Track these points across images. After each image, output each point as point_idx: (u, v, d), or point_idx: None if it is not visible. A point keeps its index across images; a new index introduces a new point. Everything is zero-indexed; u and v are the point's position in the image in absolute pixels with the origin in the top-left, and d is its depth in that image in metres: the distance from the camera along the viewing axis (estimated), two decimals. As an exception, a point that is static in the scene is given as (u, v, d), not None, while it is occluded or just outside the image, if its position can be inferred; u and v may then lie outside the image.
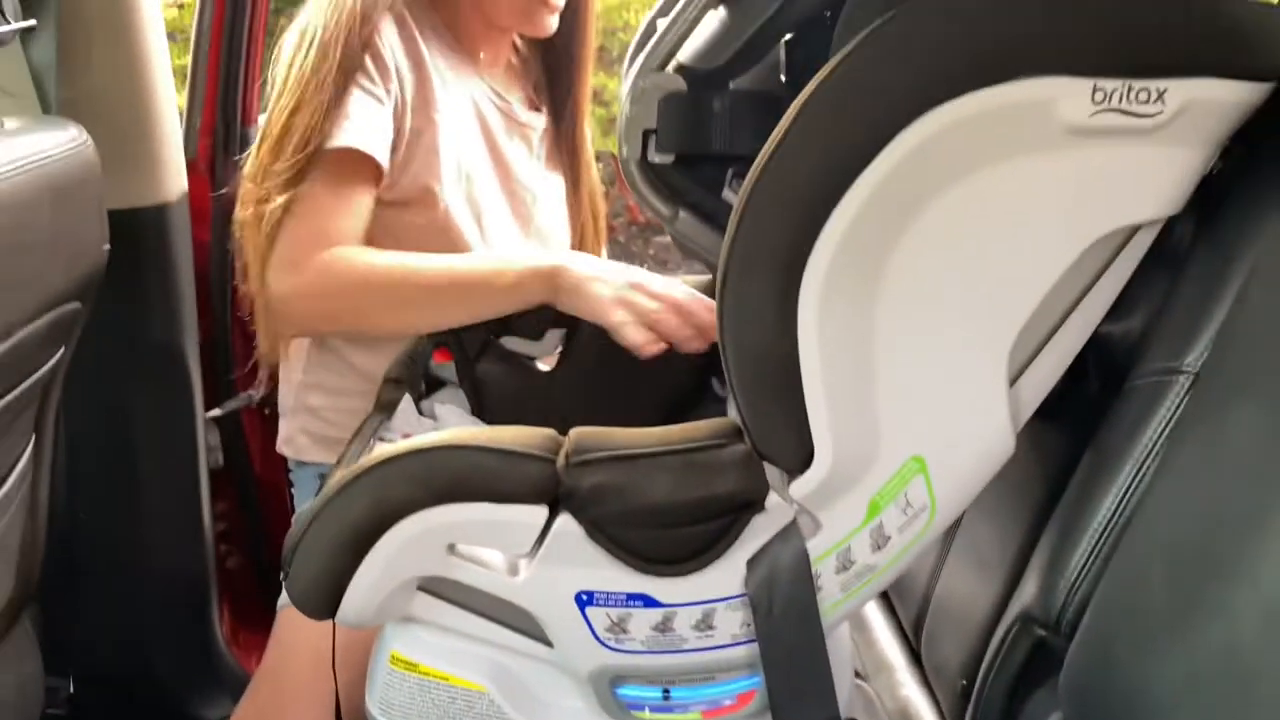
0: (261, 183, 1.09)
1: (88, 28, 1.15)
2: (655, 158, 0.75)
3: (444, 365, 1.11)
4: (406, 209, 1.16)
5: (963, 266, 0.69)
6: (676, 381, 1.12)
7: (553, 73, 1.31)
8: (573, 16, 1.25)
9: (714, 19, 0.74)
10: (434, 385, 1.13)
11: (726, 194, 0.76)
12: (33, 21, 0.92)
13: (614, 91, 3.02)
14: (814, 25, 0.73)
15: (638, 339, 1.00)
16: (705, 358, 1.12)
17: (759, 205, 0.66)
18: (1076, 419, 0.81)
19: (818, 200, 0.65)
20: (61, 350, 1.05)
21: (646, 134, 0.74)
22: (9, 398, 0.97)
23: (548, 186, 1.30)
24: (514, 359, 1.11)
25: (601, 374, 1.11)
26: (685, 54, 0.74)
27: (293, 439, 1.29)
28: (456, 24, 1.23)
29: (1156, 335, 0.74)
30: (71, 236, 0.98)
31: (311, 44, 1.10)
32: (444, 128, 1.16)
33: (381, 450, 0.76)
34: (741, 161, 0.76)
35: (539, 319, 1.10)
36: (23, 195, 0.88)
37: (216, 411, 1.44)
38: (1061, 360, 0.76)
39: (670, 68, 0.74)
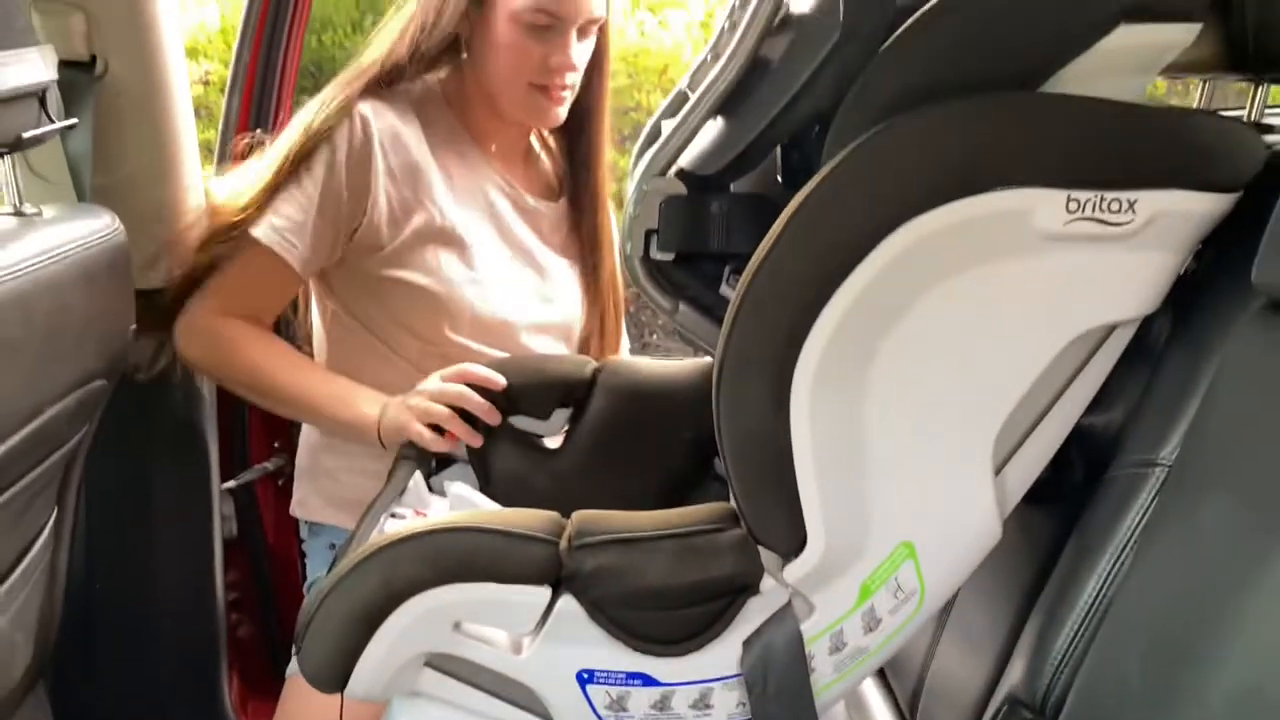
0: (211, 220, 1.24)
1: (121, 119, 1.20)
2: (657, 255, 0.79)
3: (454, 443, 1.15)
4: (405, 269, 1.23)
5: (948, 362, 0.72)
6: (677, 461, 1.15)
7: (572, 162, 1.38)
8: (586, 109, 1.32)
9: (712, 129, 0.79)
10: (444, 462, 1.17)
11: (724, 289, 0.81)
12: (74, 121, 0.98)
13: (624, 169, 3.09)
14: (805, 136, 0.77)
15: (423, 437, 1.11)
16: (706, 438, 1.15)
17: (752, 305, 0.70)
18: (1062, 507, 0.84)
19: (807, 302, 0.68)
20: (86, 426, 1.10)
21: (649, 233, 0.79)
22: (35, 473, 1.01)
23: (559, 266, 1.35)
24: (522, 437, 1.15)
25: (605, 452, 1.14)
26: (686, 160, 0.79)
27: (305, 500, 1.33)
28: (470, 121, 1.30)
29: (1134, 428, 0.77)
30: (102, 318, 1.03)
31: (298, 126, 1.22)
32: (443, 211, 1.24)
33: (393, 531, 0.79)
34: (738, 259, 0.81)
35: (546, 399, 1.14)
36: (60, 281, 0.92)
37: (232, 483, 1.48)
38: (1045, 450, 0.79)
39: (671, 172, 0.78)
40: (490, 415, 1.10)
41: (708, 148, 0.79)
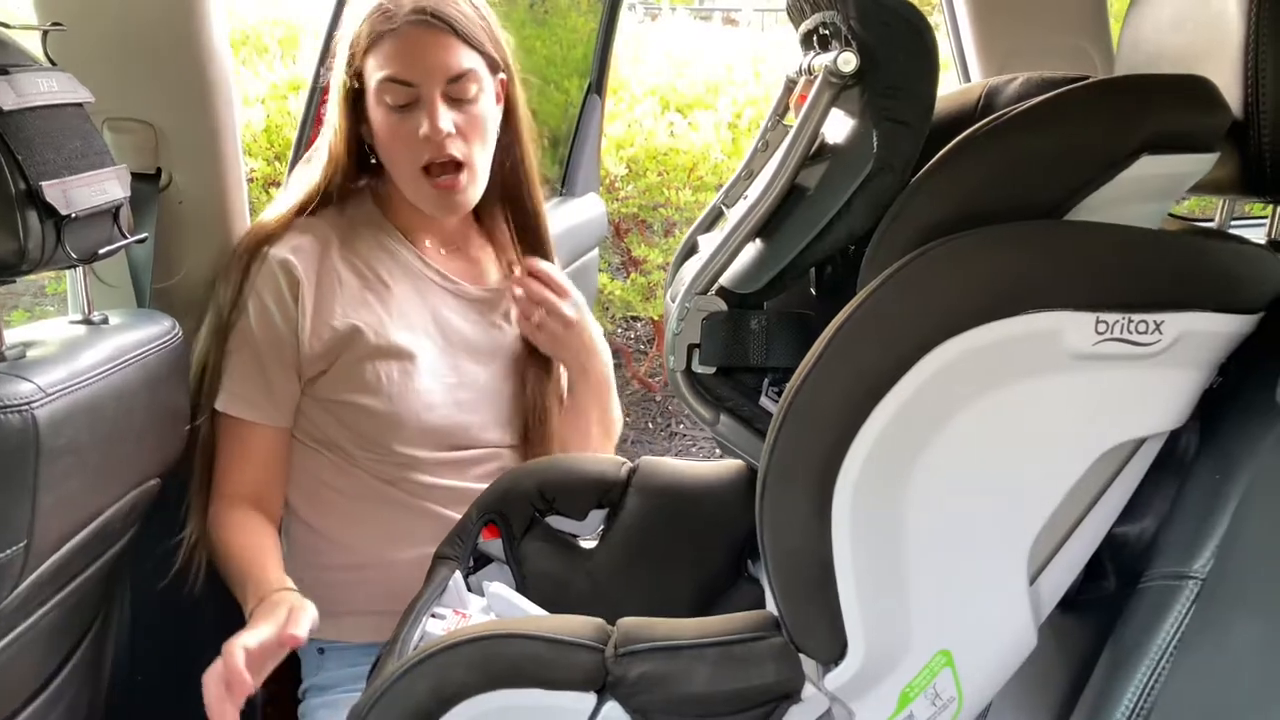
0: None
1: (181, 226, 1.27)
2: (698, 368, 0.82)
3: (491, 542, 1.17)
4: (347, 392, 1.23)
5: (983, 476, 0.74)
6: (712, 562, 1.16)
7: (518, 243, 1.36)
8: (515, 182, 1.32)
9: (751, 250, 0.83)
10: (481, 561, 1.19)
11: (764, 401, 0.84)
12: (145, 235, 1.04)
13: (654, 261, 3.17)
14: (841, 255, 0.81)
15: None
16: (740, 539, 1.17)
17: (794, 420, 0.72)
18: (1096, 614, 0.85)
19: (847, 418, 0.71)
20: (139, 523, 1.13)
21: (691, 348, 0.82)
22: (89, 571, 1.04)
23: (505, 353, 1.33)
24: (558, 537, 1.16)
25: (640, 553, 1.15)
26: (726, 278, 0.83)
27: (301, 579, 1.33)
28: (399, 220, 1.30)
29: (1166, 539, 0.78)
30: (160, 422, 1.07)
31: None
32: (379, 328, 1.23)
33: (441, 636, 0.81)
34: (776, 372, 0.84)
35: (582, 500, 1.16)
36: (125, 387, 0.97)
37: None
38: (1079, 559, 0.81)
39: (713, 290, 0.82)
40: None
41: (747, 268, 0.82)
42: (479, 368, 1.31)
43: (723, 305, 0.81)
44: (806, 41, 0.97)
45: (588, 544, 1.17)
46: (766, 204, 0.80)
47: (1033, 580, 0.78)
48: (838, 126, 0.82)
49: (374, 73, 1.20)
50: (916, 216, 0.75)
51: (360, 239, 1.28)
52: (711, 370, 0.82)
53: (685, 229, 3.35)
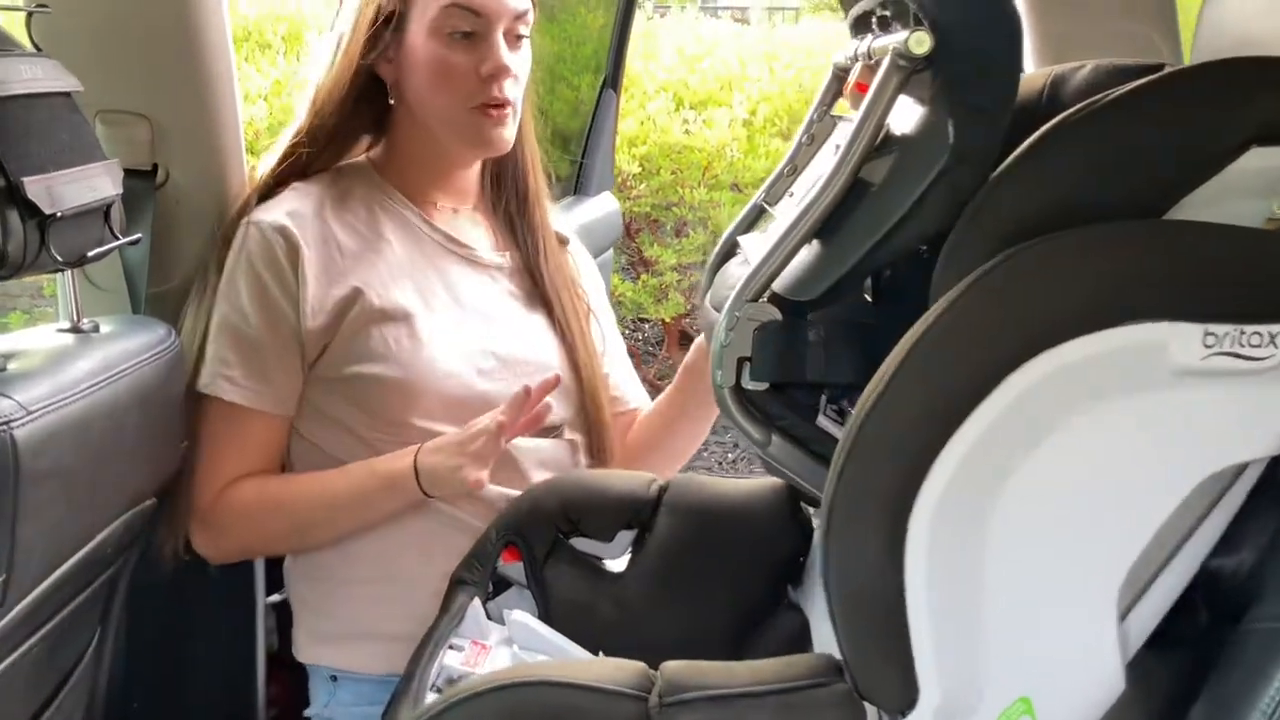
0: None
1: (179, 227, 1.19)
2: (749, 384, 0.74)
3: (512, 565, 1.10)
4: (354, 362, 1.12)
5: (1071, 505, 0.67)
6: (750, 587, 1.09)
7: (509, 214, 1.27)
8: (514, 156, 1.23)
9: (808, 253, 0.75)
10: (501, 586, 1.12)
11: (821, 420, 0.76)
12: (138, 236, 0.96)
13: (667, 262, 3.08)
14: (908, 257, 0.74)
15: (481, 484, 1.06)
16: (780, 563, 1.09)
17: (867, 445, 0.65)
18: (1184, 652, 0.78)
19: (925, 443, 0.64)
20: (135, 545, 1.05)
21: (741, 361, 0.74)
22: (81, 598, 0.97)
23: (525, 323, 1.23)
24: (583, 560, 1.09)
25: (672, 578, 1.08)
26: (780, 284, 0.75)
27: (295, 639, 1.24)
28: (407, 185, 1.20)
29: (1272, 578, 0.71)
30: (155, 437, 0.99)
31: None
32: (381, 289, 1.13)
33: (466, 683, 0.73)
34: (834, 388, 0.76)
35: (609, 520, 1.09)
36: (116, 402, 0.89)
37: (277, 596, 1.42)
38: (1170, 595, 0.73)
39: (764, 297, 0.74)
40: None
41: (804, 272, 0.74)
42: (500, 334, 1.19)
43: (777, 314, 0.73)
44: (860, 25, 0.89)
45: (615, 567, 1.10)
46: (826, 201, 0.72)
47: (1122, 617, 0.71)
48: (906, 115, 0.74)
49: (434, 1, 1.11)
50: (1001, 214, 0.67)
51: (357, 200, 1.18)
52: (764, 386, 0.74)
53: (698, 228, 3.29)
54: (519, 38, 1.16)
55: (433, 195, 1.22)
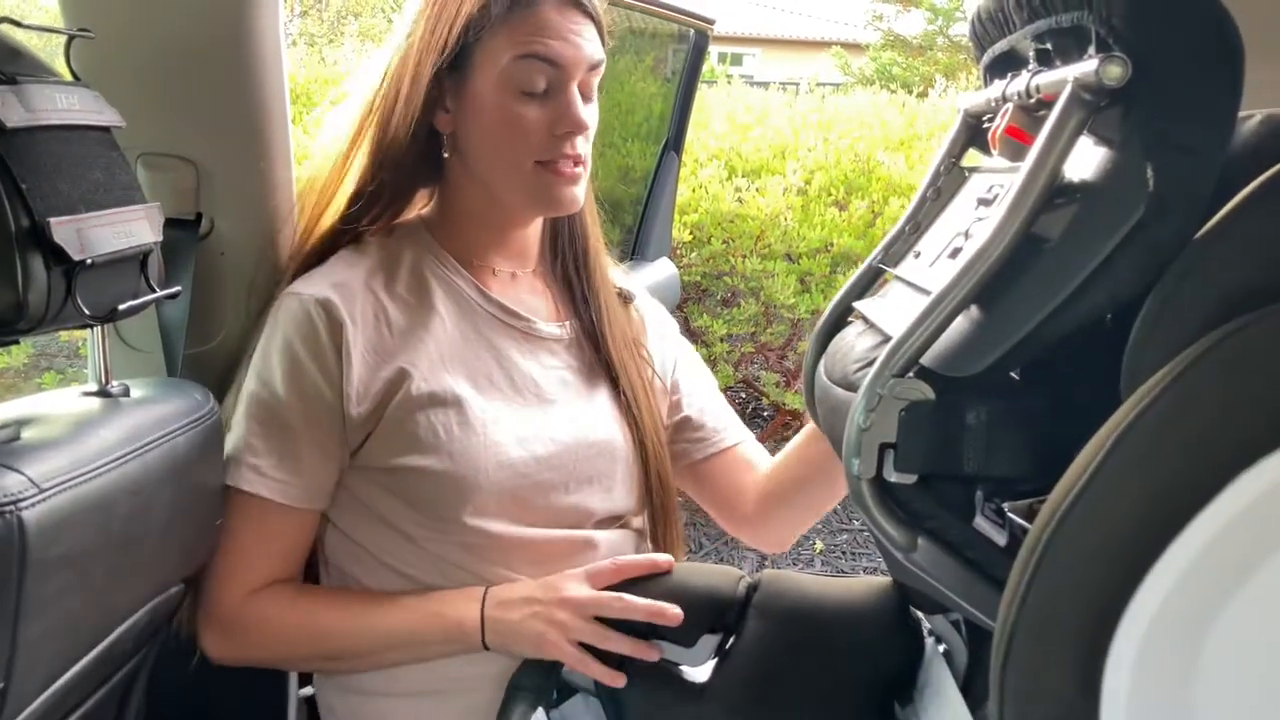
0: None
1: (221, 282, 1.09)
2: (893, 476, 0.62)
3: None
4: (398, 455, 1.00)
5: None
6: (850, 704, 0.96)
7: (568, 276, 1.17)
8: (574, 215, 1.13)
9: (966, 321, 0.63)
10: (565, 692, 0.99)
11: (979, 521, 0.63)
12: (177, 289, 0.85)
13: (716, 333, 2.97)
14: (1091, 327, 0.61)
15: (572, 658, 0.97)
16: (886, 677, 0.96)
17: (1061, 555, 0.52)
18: None
19: (1138, 554, 0.51)
20: (158, 636, 0.93)
21: (884, 448, 0.62)
22: (96, 697, 0.84)
23: (586, 401, 1.11)
24: (660, 668, 0.97)
25: (761, 691, 0.97)
26: (931, 358, 0.62)
27: (332, 708, 1.11)
28: (463, 246, 1.10)
29: None
30: (187, 518, 0.88)
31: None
32: (427, 372, 1.01)
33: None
34: (990, 483, 0.63)
35: (691, 622, 0.96)
36: (144, 479, 0.78)
37: (309, 690, 1.29)
38: None
39: (913, 372, 0.62)
40: (647, 651, 0.92)
41: (961, 344, 0.62)
42: (559, 416, 1.08)
43: (929, 392, 0.61)
44: (999, 66, 0.78)
45: (697, 677, 0.98)
46: (991, 259, 0.60)
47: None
48: (1085, 159, 0.62)
49: (503, 49, 1.00)
50: (1219, 276, 0.55)
51: (406, 266, 1.07)
52: (911, 479, 0.61)
53: (749, 299, 3.18)
54: (590, 94, 1.06)
55: (490, 258, 1.11)
